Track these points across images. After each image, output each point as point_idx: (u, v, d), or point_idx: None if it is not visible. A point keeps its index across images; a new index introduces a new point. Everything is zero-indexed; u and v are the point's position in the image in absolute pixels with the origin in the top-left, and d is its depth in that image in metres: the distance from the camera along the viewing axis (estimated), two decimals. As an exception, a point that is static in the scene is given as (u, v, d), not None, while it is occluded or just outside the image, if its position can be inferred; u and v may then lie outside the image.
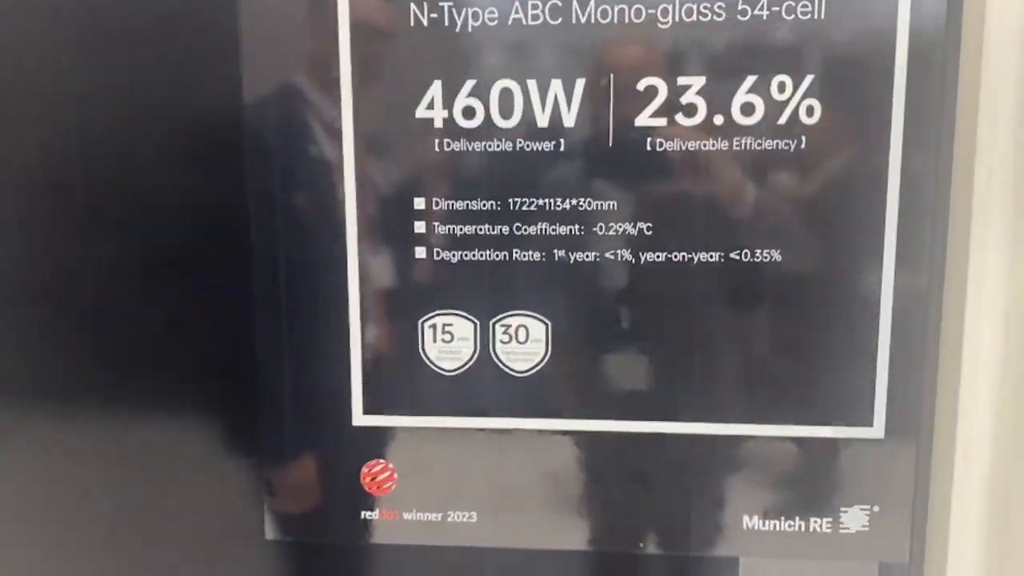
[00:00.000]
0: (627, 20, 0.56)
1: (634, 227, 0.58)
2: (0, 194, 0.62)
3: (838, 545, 0.61)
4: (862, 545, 0.61)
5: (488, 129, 0.57)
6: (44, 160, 0.62)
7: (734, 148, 0.56)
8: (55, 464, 0.66)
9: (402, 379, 0.61)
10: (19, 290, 0.64)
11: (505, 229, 0.58)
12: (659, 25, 0.55)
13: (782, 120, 0.56)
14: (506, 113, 0.57)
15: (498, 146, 0.57)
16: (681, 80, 0.56)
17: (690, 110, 0.56)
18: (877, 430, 0.59)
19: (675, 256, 0.58)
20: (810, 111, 0.56)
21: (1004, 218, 0.58)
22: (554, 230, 0.58)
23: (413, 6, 0.56)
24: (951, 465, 0.61)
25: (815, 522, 0.61)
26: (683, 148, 0.57)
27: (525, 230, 0.58)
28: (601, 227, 0.58)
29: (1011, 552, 0.60)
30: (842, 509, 0.60)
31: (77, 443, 0.65)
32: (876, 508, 0.60)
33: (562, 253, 0.58)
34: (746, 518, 0.61)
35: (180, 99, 0.60)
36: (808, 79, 0.55)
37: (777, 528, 0.61)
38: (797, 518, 0.61)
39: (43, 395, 0.65)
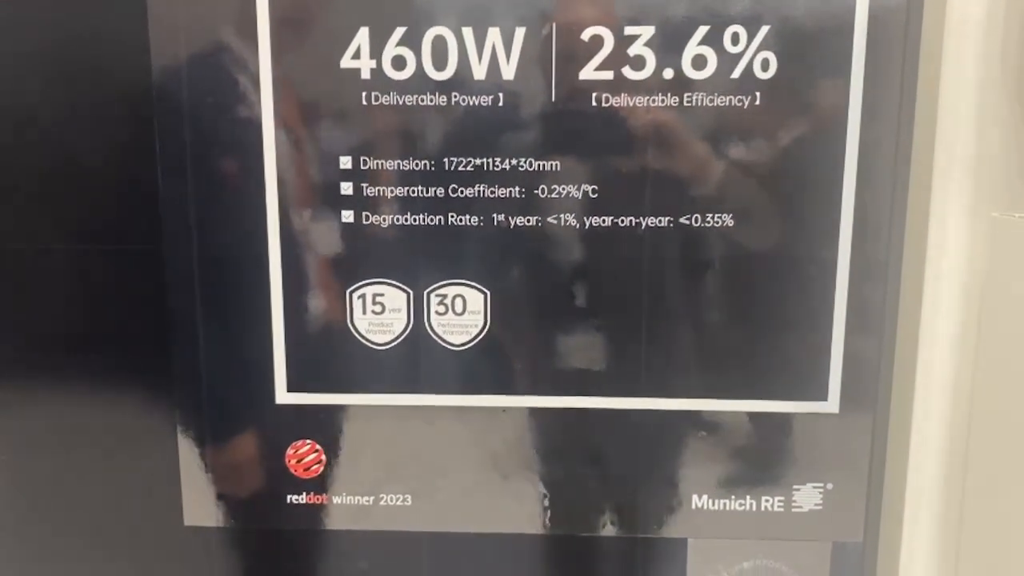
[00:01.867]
0: (568, -36, 0.51)
1: (578, 190, 0.54)
2: None
3: (790, 524, 0.58)
4: (815, 524, 0.58)
5: (420, 81, 0.53)
6: None
7: (684, 105, 0.52)
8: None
9: (329, 354, 0.56)
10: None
11: (440, 191, 0.54)
12: (603, -29, 0.51)
13: (735, 74, 0.52)
14: (440, 64, 0.52)
15: (431, 100, 0.53)
16: (628, 30, 0.52)
17: (638, 63, 0.52)
18: (832, 404, 0.56)
19: (622, 221, 0.54)
20: (765, 65, 0.52)
21: (964, 191, 0.55)
22: (493, 192, 0.54)
23: (337, -56, 0.51)
24: (907, 441, 0.58)
25: (767, 501, 0.58)
26: (631, 105, 0.53)
27: (461, 192, 0.54)
28: (543, 189, 0.54)
29: (966, 531, 0.58)
30: (795, 487, 0.58)
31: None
32: (830, 486, 0.58)
33: (501, 217, 0.54)
34: (695, 497, 0.58)
35: (84, 46, 0.54)
36: (764, 30, 0.52)
37: (727, 507, 0.58)
38: (748, 497, 0.58)
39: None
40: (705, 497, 0.58)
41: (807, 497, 0.58)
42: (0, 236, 0.57)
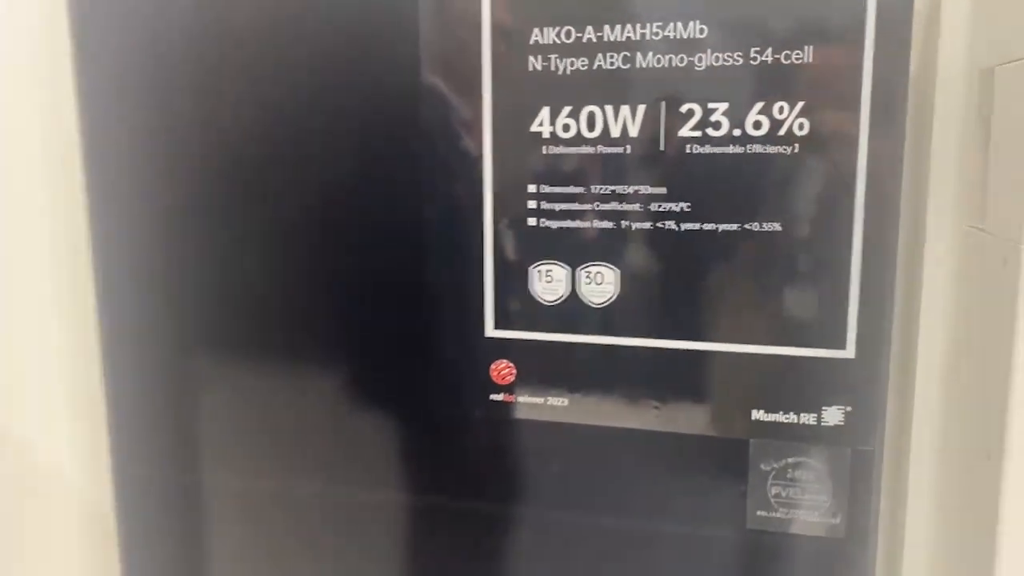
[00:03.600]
0: (674, 65, 0.82)
1: (677, 205, 0.84)
2: (187, 180, 0.96)
3: (821, 434, 0.85)
4: (839, 435, 0.85)
5: (578, 138, 0.85)
6: (231, 147, 0.95)
7: (747, 152, 0.82)
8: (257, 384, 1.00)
9: (518, 306, 0.90)
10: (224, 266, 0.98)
11: (588, 206, 0.86)
12: (696, 68, 0.82)
13: (781, 132, 0.81)
14: (591, 128, 0.85)
15: (585, 150, 0.85)
16: (711, 105, 0.82)
17: (717, 125, 0.82)
18: (849, 352, 0.83)
19: (706, 226, 0.84)
20: (801, 126, 0.80)
21: (948, 206, 0.81)
22: (622, 206, 0.85)
23: (530, 57, 0.85)
24: (913, 373, 0.84)
25: (804, 416, 0.85)
26: (712, 152, 0.83)
27: (601, 207, 0.86)
28: (654, 205, 0.85)
29: (962, 438, 0.83)
30: (823, 408, 0.85)
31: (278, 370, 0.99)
32: (849, 408, 0.84)
33: (627, 222, 0.86)
34: (754, 411, 0.87)
35: (362, 93, 0.91)
36: (800, 104, 0.80)
37: (776, 420, 0.86)
38: (791, 413, 0.86)
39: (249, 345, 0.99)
40: (761, 412, 0.86)
41: (832, 415, 0.85)
42: (300, 235, 0.95)
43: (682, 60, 0.82)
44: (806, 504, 0.87)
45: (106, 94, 0.99)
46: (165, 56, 0.96)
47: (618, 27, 0.83)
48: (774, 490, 0.88)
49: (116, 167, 1.01)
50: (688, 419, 0.89)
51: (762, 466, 0.88)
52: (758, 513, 0.88)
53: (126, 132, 0.99)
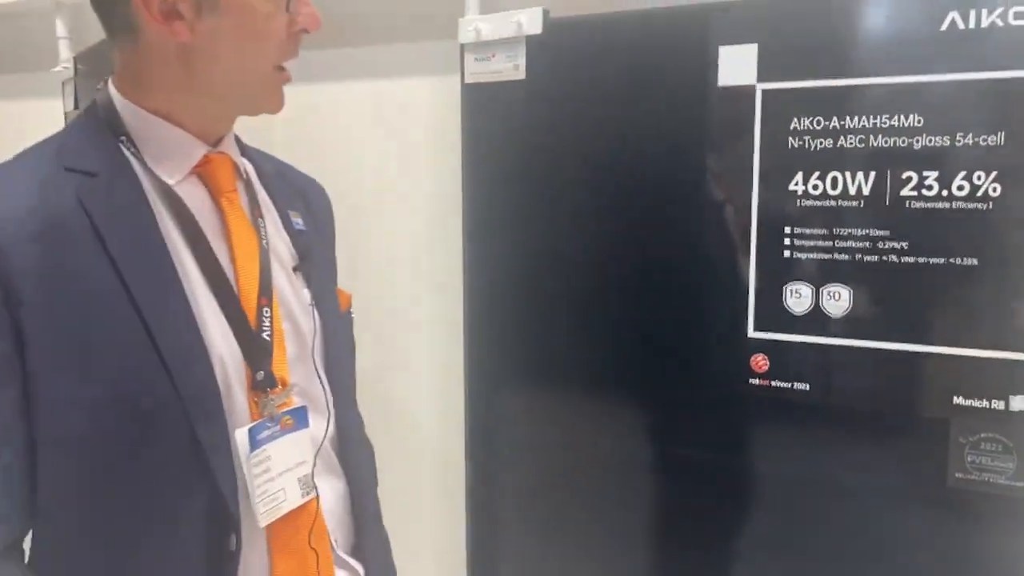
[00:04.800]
0: (897, 145, 1.16)
1: (898, 243, 1.17)
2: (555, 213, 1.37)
3: (1007, 418, 1.14)
4: (1022, 418, 1.14)
5: (824, 195, 1.20)
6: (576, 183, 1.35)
7: (953, 208, 1.14)
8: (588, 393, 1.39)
9: (774, 315, 1.25)
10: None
11: (829, 243, 1.21)
12: (914, 147, 1.15)
13: (979, 194, 1.12)
14: (834, 187, 1.19)
15: (828, 203, 1.20)
16: (925, 173, 1.15)
17: (929, 188, 1.15)
18: (1031, 354, 1.12)
19: (920, 260, 1.16)
20: (995, 189, 1.12)
21: None
22: (855, 244, 1.19)
23: (790, 138, 1.21)
24: (1080, 379, 1.12)
25: (994, 402, 1.15)
26: (926, 207, 1.15)
27: (838, 244, 1.20)
28: (881, 243, 1.18)
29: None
30: (1010, 396, 1.14)
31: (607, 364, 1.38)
32: (1031, 397, 1.13)
33: (859, 256, 1.19)
34: (955, 397, 1.17)
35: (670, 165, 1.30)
36: (994, 173, 1.11)
37: (972, 404, 1.16)
38: (984, 399, 1.15)
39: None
40: (960, 398, 1.16)
41: (1018, 403, 1.13)
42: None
43: (904, 141, 1.16)
44: (994, 469, 1.16)
45: (483, 169, 1.44)
46: (530, 142, 1.39)
47: (856, 117, 1.18)
48: (969, 458, 1.17)
49: (486, 223, 1.45)
50: (904, 402, 1.20)
51: (960, 439, 1.17)
52: (956, 475, 1.18)
53: (492, 194, 1.44)
